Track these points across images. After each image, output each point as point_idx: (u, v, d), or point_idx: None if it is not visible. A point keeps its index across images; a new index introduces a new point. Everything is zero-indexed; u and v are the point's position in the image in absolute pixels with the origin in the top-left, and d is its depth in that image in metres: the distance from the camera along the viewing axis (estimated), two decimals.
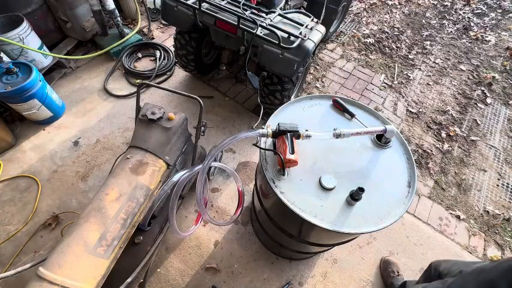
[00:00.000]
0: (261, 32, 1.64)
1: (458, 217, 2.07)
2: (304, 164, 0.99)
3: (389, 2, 4.08)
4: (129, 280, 1.13)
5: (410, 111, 2.73)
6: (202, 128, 1.40)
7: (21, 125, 2.22)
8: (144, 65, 2.76)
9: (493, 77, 3.11)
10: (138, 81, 2.59)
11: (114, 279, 1.07)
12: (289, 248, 1.47)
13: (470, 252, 1.91)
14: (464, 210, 2.12)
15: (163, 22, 3.21)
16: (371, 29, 3.59)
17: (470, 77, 3.14)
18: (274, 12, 1.79)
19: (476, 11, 4.13)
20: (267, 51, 1.73)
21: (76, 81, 2.58)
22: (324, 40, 3.31)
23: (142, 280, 1.32)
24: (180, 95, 1.73)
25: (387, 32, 3.58)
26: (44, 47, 2.32)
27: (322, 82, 2.88)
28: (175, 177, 1.24)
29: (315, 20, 1.87)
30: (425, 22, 3.84)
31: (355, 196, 0.89)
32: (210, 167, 1.81)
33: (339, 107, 1.19)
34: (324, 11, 2.45)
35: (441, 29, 3.76)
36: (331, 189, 0.95)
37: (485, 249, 1.94)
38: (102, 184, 1.16)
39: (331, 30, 3.12)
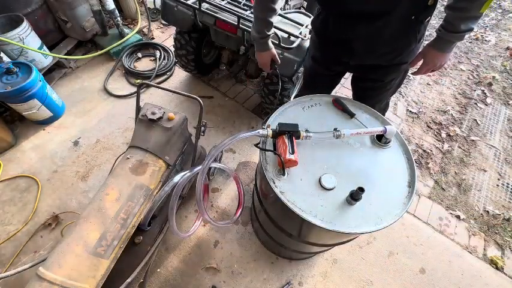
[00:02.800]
0: None
1: (458, 217, 2.07)
2: (304, 164, 0.99)
3: None
4: (129, 280, 1.13)
5: (410, 111, 2.73)
6: (202, 128, 1.40)
7: (21, 125, 2.22)
8: (144, 65, 2.76)
9: (493, 76, 3.11)
10: (138, 81, 2.60)
11: (114, 279, 1.07)
12: (289, 248, 1.47)
13: (471, 252, 1.91)
14: (464, 210, 2.12)
15: (163, 22, 3.21)
16: None
17: (470, 77, 3.14)
18: None
19: None
20: None
21: (76, 81, 2.58)
22: None
23: (142, 280, 1.33)
24: (180, 95, 1.73)
25: None
26: (44, 47, 2.32)
27: None
28: (176, 178, 1.24)
29: None
30: None
31: (355, 196, 0.89)
32: (210, 167, 1.81)
33: (339, 106, 1.19)
34: None
35: None
36: (331, 189, 0.95)
37: (485, 249, 1.94)
38: (102, 184, 1.16)
39: None
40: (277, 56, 1.42)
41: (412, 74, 1.27)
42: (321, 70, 1.46)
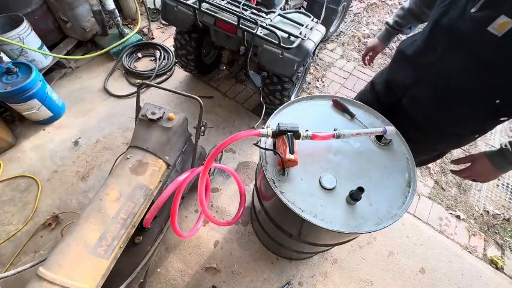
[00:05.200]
0: (261, 32, 1.64)
1: (458, 217, 2.07)
2: (304, 164, 0.99)
3: (390, 2, 4.08)
4: (129, 280, 1.13)
5: None
6: (202, 128, 1.40)
7: (21, 125, 2.22)
8: (144, 65, 2.76)
9: None
10: (138, 81, 2.59)
11: (114, 279, 1.07)
12: (289, 248, 1.47)
13: (471, 252, 1.91)
14: (464, 210, 2.12)
15: (163, 22, 3.21)
16: (371, 29, 3.60)
17: None
18: (274, 12, 1.79)
19: None
20: (267, 51, 1.73)
21: (76, 81, 2.58)
22: (324, 40, 3.31)
23: (142, 280, 1.33)
24: (180, 95, 1.73)
25: None
26: (44, 47, 2.32)
27: (322, 82, 2.88)
28: (181, 178, 1.24)
29: (315, 20, 1.87)
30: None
31: (355, 196, 0.89)
32: (210, 168, 1.81)
33: (339, 107, 1.18)
34: (324, 11, 2.45)
35: None
36: (331, 189, 0.95)
37: (485, 249, 1.94)
38: (102, 184, 1.16)
39: (331, 30, 3.12)
40: (376, 55, 1.50)
41: (450, 170, 1.17)
42: (371, 99, 1.37)
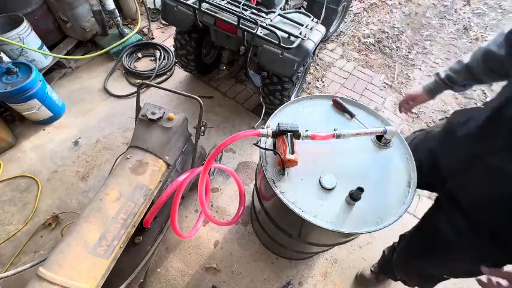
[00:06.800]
0: (261, 32, 1.64)
1: None
2: (304, 164, 0.99)
3: (389, 2, 4.08)
4: (129, 280, 1.13)
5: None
6: (202, 128, 1.40)
7: (21, 125, 2.22)
8: (144, 65, 2.76)
9: None
10: (138, 81, 2.59)
11: (114, 279, 1.07)
12: (289, 248, 1.47)
13: None
14: None
15: (163, 22, 3.21)
16: (371, 29, 3.59)
17: None
18: (274, 12, 1.79)
19: (476, 11, 4.13)
20: (267, 51, 1.73)
21: (76, 81, 2.58)
22: (324, 40, 3.30)
23: (142, 280, 1.32)
24: (180, 95, 1.73)
25: (387, 32, 3.58)
26: (44, 47, 2.32)
27: (322, 82, 2.88)
28: (180, 178, 1.24)
29: (315, 20, 1.87)
30: (426, 22, 3.84)
31: (354, 196, 0.89)
32: (210, 168, 1.81)
33: (339, 107, 1.19)
34: (324, 11, 2.45)
35: (441, 29, 3.76)
36: (331, 189, 0.95)
37: None
38: (102, 184, 1.16)
39: (331, 30, 3.11)
40: (417, 105, 1.26)
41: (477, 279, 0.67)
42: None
